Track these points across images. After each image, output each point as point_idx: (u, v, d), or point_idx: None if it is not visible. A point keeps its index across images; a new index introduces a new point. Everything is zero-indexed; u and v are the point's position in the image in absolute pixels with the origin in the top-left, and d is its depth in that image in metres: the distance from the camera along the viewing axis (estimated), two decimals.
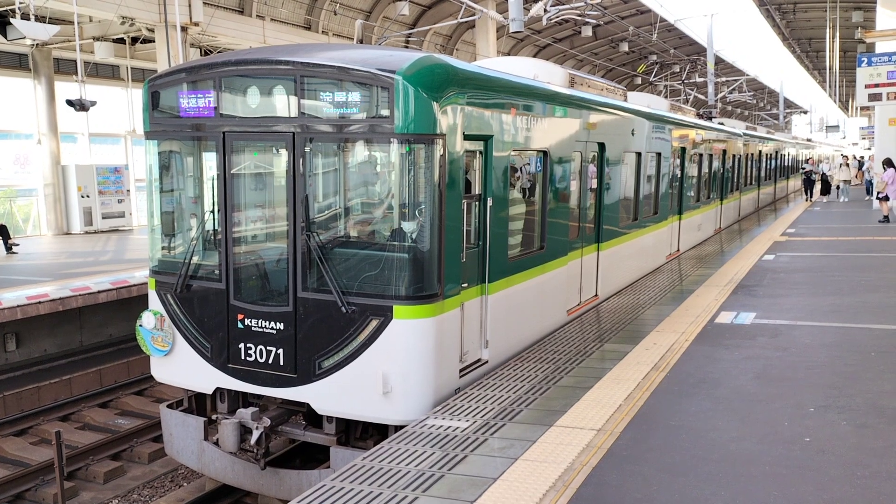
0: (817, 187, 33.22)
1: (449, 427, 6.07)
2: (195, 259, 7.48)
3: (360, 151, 7.19)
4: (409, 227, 6.57)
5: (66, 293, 12.71)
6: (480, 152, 7.36)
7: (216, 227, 7.38)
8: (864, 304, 10.54)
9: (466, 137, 6.93)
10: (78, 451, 9.67)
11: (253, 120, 7.01)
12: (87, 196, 22.33)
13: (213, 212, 7.39)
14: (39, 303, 12.23)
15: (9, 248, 17.72)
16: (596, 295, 10.79)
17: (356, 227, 7.40)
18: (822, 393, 6.78)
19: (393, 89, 6.30)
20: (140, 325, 7.72)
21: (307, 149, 6.76)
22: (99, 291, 13.17)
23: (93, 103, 17.77)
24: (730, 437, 5.80)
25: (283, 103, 6.87)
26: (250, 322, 7.07)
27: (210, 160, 7.47)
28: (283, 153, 6.95)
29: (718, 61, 43.68)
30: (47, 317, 12.78)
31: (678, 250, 15.94)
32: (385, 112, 6.38)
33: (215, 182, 7.29)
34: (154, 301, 7.72)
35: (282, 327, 6.91)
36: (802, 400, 6.60)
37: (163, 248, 7.91)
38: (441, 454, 5.54)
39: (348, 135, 6.77)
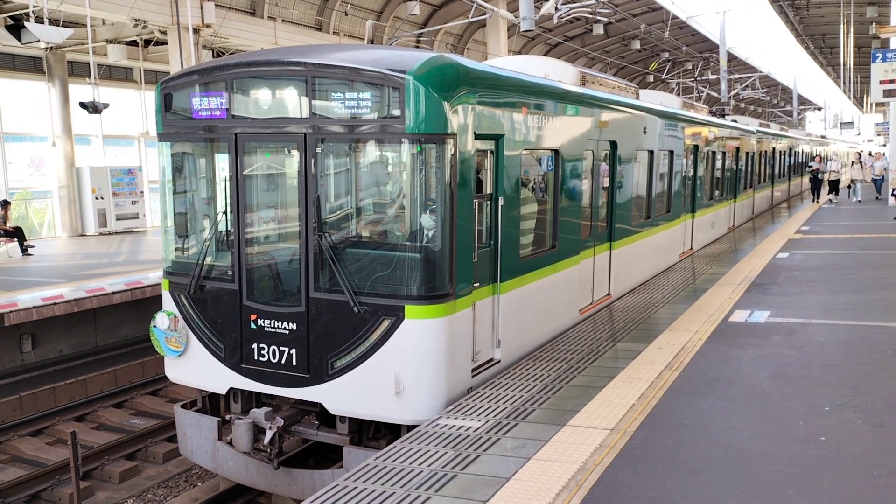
0: (825, 188, 32.72)
1: (461, 427, 6.07)
2: (208, 260, 7.52)
3: (371, 151, 7.20)
4: (420, 226, 6.57)
5: (81, 294, 12.80)
6: (491, 151, 7.35)
7: (229, 228, 7.41)
8: (880, 302, 10.45)
9: (477, 137, 6.93)
10: (93, 451, 9.74)
11: (265, 121, 7.03)
12: (102, 198, 22.47)
13: (225, 213, 7.42)
14: (55, 304, 12.31)
15: (24, 250, 17.86)
16: (608, 294, 10.76)
17: (368, 227, 7.41)
18: (838, 391, 6.74)
19: (404, 89, 6.30)
20: (154, 326, 7.76)
21: (319, 149, 6.78)
22: (113, 292, 13.25)
23: (106, 105, 17.87)
24: (744, 436, 5.76)
25: (294, 104, 6.89)
26: (263, 322, 7.10)
27: (222, 161, 7.51)
28: (295, 154, 6.97)
29: (731, 58, 43.38)
30: (62, 318, 12.87)
31: (691, 248, 15.86)
32: (396, 112, 6.39)
33: (228, 183, 7.33)
34: (168, 302, 7.77)
35: (294, 327, 6.93)
36: (817, 399, 6.56)
37: (176, 249, 7.95)
38: (454, 454, 5.54)
39: (359, 135, 6.78)
